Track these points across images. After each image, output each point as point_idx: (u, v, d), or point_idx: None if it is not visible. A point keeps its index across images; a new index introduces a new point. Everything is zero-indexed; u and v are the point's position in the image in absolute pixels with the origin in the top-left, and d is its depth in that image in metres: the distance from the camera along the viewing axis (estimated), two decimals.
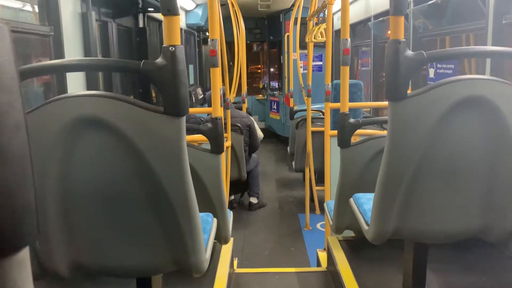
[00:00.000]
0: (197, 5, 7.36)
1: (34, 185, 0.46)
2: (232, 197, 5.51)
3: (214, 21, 2.17)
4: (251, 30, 10.38)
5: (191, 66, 7.69)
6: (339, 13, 4.17)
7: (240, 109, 5.55)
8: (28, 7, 2.65)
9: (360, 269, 2.41)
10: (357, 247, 2.68)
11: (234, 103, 5.69)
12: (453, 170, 1.41)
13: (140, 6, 4.70)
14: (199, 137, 2.47)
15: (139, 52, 4.80)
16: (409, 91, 1.36)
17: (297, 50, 6.29)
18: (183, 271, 1.35)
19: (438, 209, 1.46)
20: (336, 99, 3.49)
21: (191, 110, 3.52)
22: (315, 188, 5.08)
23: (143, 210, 1.26)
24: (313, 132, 4.69)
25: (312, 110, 4.86)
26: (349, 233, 2.71)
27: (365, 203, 1.80)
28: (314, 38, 4.64)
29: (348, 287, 2.25)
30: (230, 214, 2.25)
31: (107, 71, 3.66)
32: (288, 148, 6.19)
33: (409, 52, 1.33)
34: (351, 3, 4.72)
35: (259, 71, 11.64)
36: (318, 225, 4.85)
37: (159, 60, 1.14)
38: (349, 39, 2.54)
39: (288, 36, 7.83)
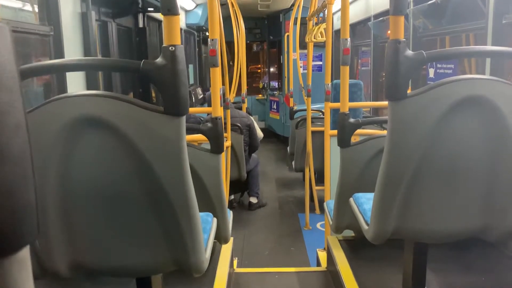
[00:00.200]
0: (197, 5, 7.36)
1: (34, 184, 0.46)
2: (232, 196, 5.51)
3: (214, 21, 2.17)
4: (251, 30, 10.39)
5: (191, 66, 7.69)
6: (339, 13, 4.17)
7: (240, 109, 5.55)
8: (28, 7, 2.65)
9: (360, 268, 2.41)
10: (357, 247, 2.68)
11: (234, 103, 5.70)
12: (453, 170, 1.41)
13: (140, 6, 4.69)
14: (199, 137, 2.47)
15: (139, 52, 4.79)
16: (409, 91, 1.36)
17: (297, 50, 6.29)
18: (183, 270, 1.35)
19: (438, 209, 1.46)
20: (336, 99, 3.49)
21: (191, 110, 3.52)
22: (315, 187, 5.08)
23: (143, 210, 1.26)
24: (313, 132, 4.69)
25: (312, 110, 4.87)
26: (349, 233, 2.71)
27: (365, 203, 1.80)
28: (314, 38, 4.64)
29: (348, 287, 2.25)
30: (230, 214, 2.25)
31: (107, 71, 3.66)
32: (288, 148, 6.19)
33: (409, 52, 1.33)
34: (351, 3, 4.73)
35: (259, 71, 11.64)
36: (318, 225, 4.85)
37: (159, 60, 1.14)
38: (349, 39, 2.54)
39: (288, 36, 7.83)
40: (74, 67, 1.43)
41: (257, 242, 4.53)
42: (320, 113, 5.72)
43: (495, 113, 1.34)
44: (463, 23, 2.96)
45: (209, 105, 2.60)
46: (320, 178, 4.89)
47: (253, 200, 5.46)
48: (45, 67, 1.33)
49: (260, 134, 5.52)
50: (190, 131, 1.91)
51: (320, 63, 8.60)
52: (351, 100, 3.09)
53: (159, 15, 5.22)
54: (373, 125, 4.08)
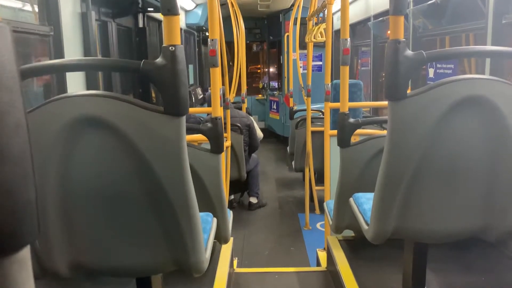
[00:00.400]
0: (197, 5, 7.36)
1: (34, 184, 0.46)
2: (232, 197, 5.51)
3: (214, 21, 2.17)
4: (251, 30, 10.39)
5: (190, 66, 7.69)
6: (339, 13, 4.17)
7: (240, 109, 5.55)
8: (28, 7, 2.65)
9: (360, 268, 2.41)
10: (356, 247, 2.68)
11: (233, 103, 5.70)
12: (453, 170, 1.41)
13: (140, 6, 4.70)
14: (199, 137, 2.48)
15: (138, 52, 4.80)
16: (408, 91, 1.36)
17: (297, 50, 6.29)
18: (183, 270, 1.35)
19: (438, 209, 1.46)
20: (336, 99, 3.50)
21: (191, 110, 3.52)
22: (314, 188, 5.08)
23: (143, 210, 1.26)
24: (312, 132, 4.69)
25: (311, 110, 4.87)
26: (349, 233, 2.71)
27: (364, 203, 1.80)
28: (314, 38, 4.64)
29: (348, 287, 2.25)
30: (230, 214, 2.25)
31: (107, 71, 3.66)
32: (288, 148, 6.19)
33: (409, 52, 1.33)
34: (350, 3, 4.73)
35: (258, 71, 11.64)
36: (318, 225, 4.85)
37: (159, 59, 1.14)
38: (348, 39, 2.54)
39: (287, 36, 7.83)
40: (74, 67, 1.43)
41: (257, 242, 4.53)
42: (320, 113, 5.72)
43: (495, 113, 1.34)
44: (463, 23, 2.96)
45: (209, 105, 2.60)
46: (320, 178, 4.90)
47: (253, 200, 5.46)
48: (45, 67, 1.33)
49: (260, 134, 5.52)
50: (190, 131, 1.91)
51: (320, 63, 8.61)
52: (351, 100, 3.09)
53: (159, 15, 5.22)
54: (373, 125, 4.08)
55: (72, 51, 2.70)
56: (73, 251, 1.30)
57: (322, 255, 3.17)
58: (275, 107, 9.88)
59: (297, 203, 5.67)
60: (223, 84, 3.55)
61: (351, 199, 1.95)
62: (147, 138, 1.18)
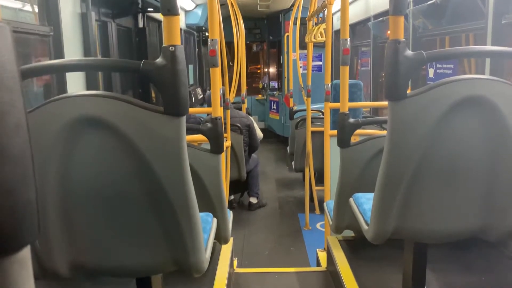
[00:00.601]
0: (197, 5, 7.37)
1: (35, 184, 0.46)
2: (232, 197, 5.51)
3: (214, 21, 2.17)
4: (251, 30, 10.39)
5: (190, 66, 7.69)
6: (339, 13, 4.18)
7: (240, 109, 5.55)
8: (28, 7, 2.65)
9: (360, 269, 2.41)
10: (356, 247, 2.68)
11: (233, 103, 5.70)
12: (453, 170, 1.41)
13: (139, 6, 4.70)
14: (199, 137, 2.48)
15: (138, 52, 4.80)
16: (408, 91, 1.36)
17: (297, 50, 6.29)
18: (183, 271, 1.35)
19: (437, 209, 1.46)
20: (336, 99, 3.50)
21: (191, 110, 3.53)
22: (314, 188, 5.08)
23: (143, 210, 1.26)
24: (312, 132, 4.69)
25: (311, 110, 4.87)
26: (349, 233, 2.71)
27: (364, 203, 1.80)
28: (314, 38, 4.64)
29: (348, 287, 2.25)
30: (230, 214, 2.25)
31: (107, 71, 3.66)
32: (288, 148, 6.19)
33: (409, 52, 1.33)
34: (350, 3, 4.73)
35: (258, 71, 11.64)
36: (318, 225, 4.85)
37: (159, 60, 1.15)
38: (348, 39, 2.54)
39: (287, 36, 7.83)
40: (74, 67, 1.43)
41: (257, 242, 4.53)
42: (320, 113, 5.73)
43: (495, 113, 1.35)
44: (462, 23, 2.96)
45: (209, 106, 2.61)
46: (320, 178, 4.90)
47: (253, 200, 5.46)
48: (45, 68, 1.33)
49: (260, 134, 5.52)
50: (190, 131, 1.91)
51: (320, 63, 8.61)
52: (351, 100, 3.09)
53: (159, 15, 5.22)
54: (373, 125, 4.08)
55: (72, 51, 2.70)
56: (73, 251, 1.30)
57: (322, 255, 3.17)
58: (275, 107, 9.88)
59: (297, 203, 5.67)
60: (223, 84, 3.55)
61: (351, 199, 1.95)
62: (147, 138, 1.18)
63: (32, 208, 0.45)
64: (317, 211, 5.12)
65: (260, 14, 9.76)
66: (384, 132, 1.51)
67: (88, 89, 2.84)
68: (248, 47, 10.33)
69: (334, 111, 3.88)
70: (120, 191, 1.24)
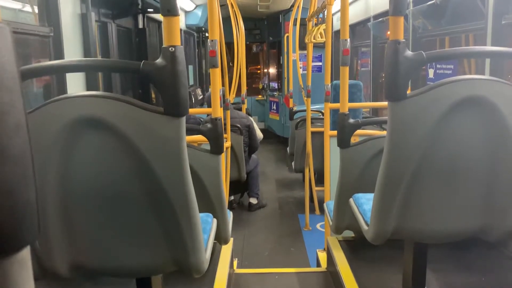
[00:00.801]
0: (197, 6, 7.37)
1: (35, 184, 0.46)
2: (232, 197, 5.51)
3: (214, 22, 2.17)
4: (251, 31, 10.40)
5: (190, 67, 7.69)
6: (339, 14, 4.18)
7: (240, 109, 5.55)
8: (27, 8, 2.65)
9: (360, 269, 2.41)
10: (357, 247, 2.68)
11: (233, 103, 5.70)
12: (452, 170, 1.41)
13: (139, 7, 4.70)
14: (198, 137, 2.48)
15: (138, 52, 4.80)
16: (408, 92, 1.36)
17: (297, 50, 6.29)
18: (183, 271, 1.35)
19: (437, 209, 1.46)
20: (336, 99, 3.50)
21: (190, 110, 3.53)
22: (314, 188, 5.08)
23: (143, 210, 1.26)
24: (312, 133, 4.69)
25: (311, 110, 4.87)
26: (349, 234, 2.71)
27: (364, 203, 1.80)
28: (314, 39, 4.64)
29: (348, 287, 2.25)
30: (230, 215, 2.25)
31: (107, 72, 3.66)
32: (288, 148, 6.19)
33: (409, 53, 1.33)
34: (350, 3, 4.73)
35: (258, 71, 11.64)
36: (318, 226, 4.85)
37: (159, 60, 1.15)
38: (348, 40, 2.54)
39: (287, 36, 7.84)
40: (74, 68, 1.43)
41: (257, 243, 4.53)
42: (320, 114, 5.73)
43: (495, 113, 1.35)
44: (462, 24, 2.96)
45: (209, 106, 2.61)
46: (320, 179, 4.89)
47: (253, 200, 5.46)
48: (45, 68, 1.33)
49: (259, 135, 5.52)
50: (190, 131, 1.91)
51: (320, 63, 8.61)
52: (350, 100, 3.09)
53: (159, 16, 5.23)
54: (373, 126, 4.08)
55: (72, 52, 2.70)
56: (73, 252, 1.30)
57: (322, 256, 3.17)
58: (275, 107, 9.88)
59: (297, 203, 5.67)
60: (223, 85, 3.55)
61: (351, 199, 1.95)
62: (147, 138, 1.18)
63: (32, 209, 0.45)
64: (317, 211, 5.12)
65: (260, 15, 9.77)
66: (384, 133, 1.51)
67: (88, 89, 2.84)
68: (248, 48, 10.34)
69: (334, 112, 3.88)
70: (120, 191, 1.24)
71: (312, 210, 5.06)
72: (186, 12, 7.27)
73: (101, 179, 1.23)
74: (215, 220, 1.72)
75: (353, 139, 2.35)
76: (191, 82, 7.72)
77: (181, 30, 6.33)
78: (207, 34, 5.53)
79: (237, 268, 3.18)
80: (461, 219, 1.48)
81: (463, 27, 2.95)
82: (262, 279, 2.93)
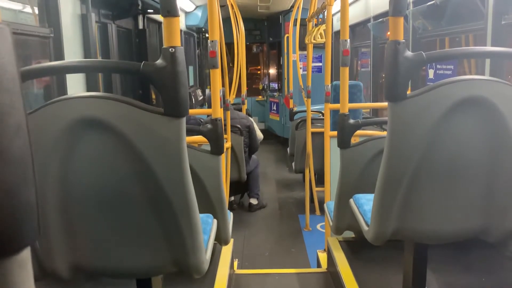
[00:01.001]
0: (197, 7, 7.37)
1: (35, 185, 0.46)
2: (232, 198, 5.51)
3: (214, 22, 2.17)
4: (251, 32, 10.40)
5: (190, 68, 7.69)
6: (339, 14, 4.18)
7: (240, 110, 5.55)
8: (28, 9, 2.65)
9: (360, 269, 2.41)
10: (357, 248, 2.68)
11: (233, 104, 5.70)
12: (452, 171, 1.41)
13: (139, 7, 4.69)
14: (199, 138, 2.48)
15: (138, 53, 4.80)
16: (408, 92, 1.36)
17: (297, 51, 6.29)
18: (183, 272, 1.35)
19: (438, 210, 1.46)
20: (336, 100, 3.50)
21: (191, 111, 3.53)
22: (315, 189, 5.08)
23: (143, 211, 1.26)
24: (313, 133, 4.69)
25: (311, 111, 4.87)
26: (349, 234, 2.71)
27: (365, 204, 1.80)
28: (314, 39, 4.64)
29: None
30: (230, 215, 2.25)
31: (107, 73, 3.66)
32: (288, 149, 6.18)
33: (409, 53, 1.33)
34: (350, 4, 4.73)
35: (258, 72, 11.64)
36: (318, 226, 4.85)
37: (159, 61, 1.15)
38: (348, 40, 2.54)
39: (287, 37, 7.84)
40: (74, 69, 1.43)
41: (257, 244, 4.53)
42: (320, 114, 5.73)
43: (495, 113, 1.35)
44: (462, 24, 2.96)
45: (209, 107, 2.61)
46: (320, 179, 4.89)
47: (253, 201, 5.46)
48: (45, 69, 1.33)
49: (260, 135, 5.52)
50: (190, 132, 1.91)
51: (320, 64, 8.61)
52: (351, 101, 3.09)
53: (159, 17, 5.23)
54: (373, 126, 4.08)
55: (72, 53, 2.70)
56: (73, 253, 1.30)
57: (323, 256, 3.17)
58: (275, 108, 9.88)
59: (297, 204, 5.66)
60: (223, 85, 3.55)
61: (351, 200, 1.95)
62: (147, 139, 1.18)
63: (32, 210, 0.45)
64: (318, 212, 5.12)
65: (260, 15, 9.77)
66: (384, 133, 1.52)
67: (88, 90, 2.84)
68: (248, 48, 10.33)
69: (334, 112, 3.89)
70: (120, 192, 1.24)
71: (312, 210, 5.06)
72: (186, 13, 7.28)
73: (101, 180, 1.23)
74: (215, 221, 1.72)
75: (353, 140, 2.35)
76: (191, 82, 7.72)
77: (181, 31, 6.34)
78: (207, 35, 5.53)
79: (237, 268, 3.18)
80: (461, 219, 1.48)
81: (463, 28, 2.95)
82: (263, 280, 2.93)
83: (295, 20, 6.13)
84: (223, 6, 5.21)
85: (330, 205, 2.58)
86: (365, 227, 1.67)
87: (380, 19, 4.69)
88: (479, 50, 1.85)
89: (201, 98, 7.54)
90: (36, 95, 2.83)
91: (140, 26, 4.88)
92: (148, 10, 4.84)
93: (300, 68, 6.70)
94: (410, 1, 3.48)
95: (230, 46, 8.40)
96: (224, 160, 2.57)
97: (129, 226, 1.29)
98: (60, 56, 2.56)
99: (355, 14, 5.37)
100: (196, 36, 8.53)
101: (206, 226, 1.61)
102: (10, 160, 0.42)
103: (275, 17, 9.55)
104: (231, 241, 2.56)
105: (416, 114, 1.36)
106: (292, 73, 7.16)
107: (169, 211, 1.24)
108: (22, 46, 2.52)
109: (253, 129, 5.19)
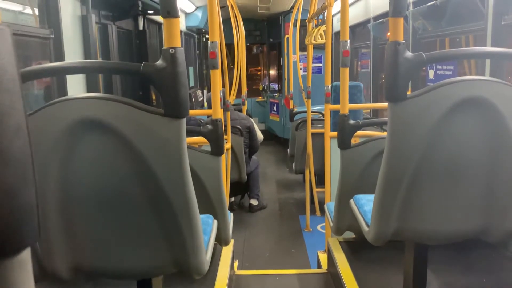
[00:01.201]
0: (197, 8, 7.37)
1: (35, 186, 0.46)
2: (233, 199, 5.51)
3: (214, 23, 2.17)
4: (251, 32, 10.40)
5: (191, 69, 7.69)
6: (339, 15, 4.18)
7: (240, 111, 5.55)
8: (28, 10, 2.65)
9: (361, 270, 2.41)
10: (357, 249, 2.68)
11: (234, 105, 5.70)
12: (453, 171, 1.41)
13: (140, 8, 4.70)
14: (199, 139, 2.48)
15: (139, 54, 4.80)
16: (408, 92, 1.36)
17: (297, 52, 6.29)
18: (183, 272, 1.35)
19: (438, 210, 1.46)
20: (336, 100, 3.50)
21: (191, 112, 3.53)
22: (315, 189, 5.08)
23: (144, 212, 1.26)
24: (313, 134, 4.69)
25: (312, 111, 4.87)
26: (350, 235, 2.71)
27: (365, 204, 1.80)
28: (314, 40, 4.65)
29: None
30: (230, 216, 2.25)
31: (107, 73, 3.66)
32: (288, 149, 6.18)
33: (409, 54, 1.33)
34: (350, 4, 4.73)
35: (259, 73, 11.65)
36: (318, 227, 4.85)
37: (159, 62, 1.15)
38: (348, 41, 2.54)
39: (287, 38, 7.84)
40: (74, 69, 1.43)
41: (257, 244, 4.52)
42: (320, 115, 5.73)
43: (495, 114, 1.35)
44: (462, 25, 2.96)
45: (209, 107, 2.61)
46: (320, 180, 4.89)
47: (254, 202, 5.46)
48: (46, 70, 1.33)
49: (260, 136, 5.52)
50: (190, 133, 1.91)
51: (320, 65, 8.61)
52: (351, 101, 3.09)
53: (159, 18, 5.23)
54: (373, 127, 4.08)
55: (72, 53, 2.70)
56: (73, 253, 1.30)
57: (323, 257, 3.17)
58: (275, 109, 9.88)
59: (298, 205, 5.66)
60: (223, 86, 3.55)
61: (351, 200, 1.95)
62: (147, 140, 1.18)
63: (32, 210, 0.45)
64: (318, 212, 5.12)
65: (260, 16, 9.77)
66: (385, 134, 1.52)
67: (88, 91, 2.84)
68: (248, 49, 10.33)
69: (334, 113, 3.88)
70: (120, 193, 1.24)
71: (312, 211, 5.06)
72: (186, 14, 7.28)
73: (102, 181, 1.23)
74: (215, 222, 1.72)
75: (354, 140, 2.35)
76: (192, 83, 7.72)
77: (181, 31, 6.34)
78: (207, 36, 5.53)
79: (237, 269, 3.18)
80: (462, 220, 1.48)
81: (463, 28, 2.95)
82: (263, 281, 2.93)
83: (295, 21, 6.13)
84: (223, 7, 5.22)
85: (330, 205, 2.58)
86: (365, 228, 1.67)
87: (380, 20, 4.69)
88: (479, 51, 1.85)
89: (201, 99, 7.54)
90: (36, 96, 2.83)
91: (140, 27, 4.88)
92: (148, 11, 4.84)
93: (300, 69, 6.71)
94: (410, 1, 3.49)
95: (230, 47, 8.40)
96: (224, 161, 2.57)
97: (129, 227, 1.29)
98: (61, 57, 2.56)
99: (355, 15, 5.37)
100: (196, 37, 8.53)
101: (207, 226, 1.61)
102: (10, 160, 0.42)
103: (275, 18, 9.55)
104: (232, 241, 2.56)
105: (416, 114, 1.36)
106: (292, 74, 7.16)
107: (170, 212, 1.24)
108: (22, 47, 2.52)
109: (253, 130, 5.19)
